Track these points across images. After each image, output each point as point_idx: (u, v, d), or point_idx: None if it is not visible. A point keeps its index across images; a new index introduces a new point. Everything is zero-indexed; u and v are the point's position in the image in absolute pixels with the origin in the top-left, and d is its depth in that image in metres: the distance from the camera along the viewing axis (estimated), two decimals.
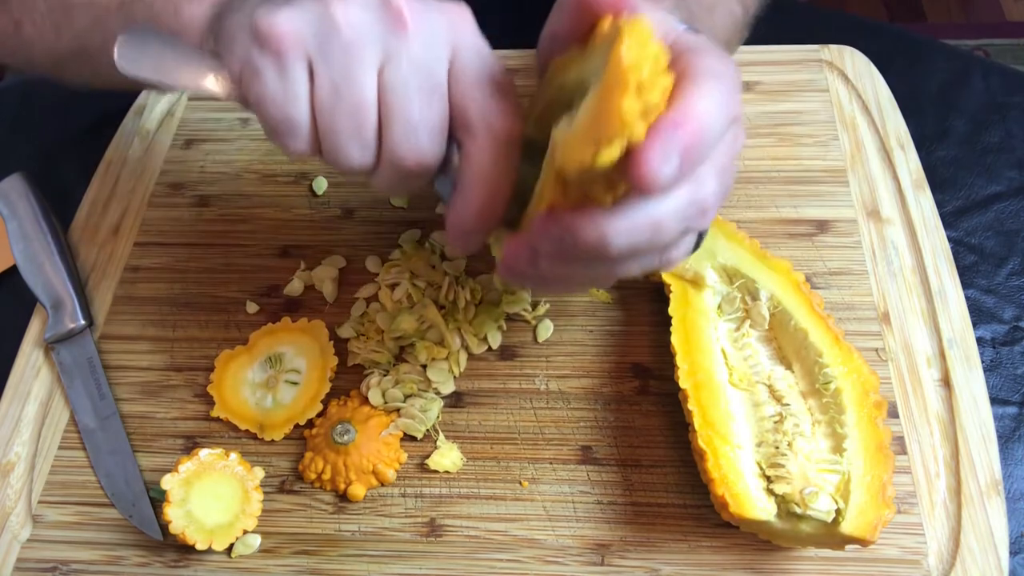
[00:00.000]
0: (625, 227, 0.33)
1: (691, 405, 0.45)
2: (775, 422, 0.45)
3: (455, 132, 0.37)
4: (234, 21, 0.37)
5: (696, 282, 0.50)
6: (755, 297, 0.49)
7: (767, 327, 0.48)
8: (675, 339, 0.47)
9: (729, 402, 0.46)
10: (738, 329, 0.49)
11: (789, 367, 0.47)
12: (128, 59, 0.38)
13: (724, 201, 0.37)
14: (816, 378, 0.46)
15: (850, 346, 0.46)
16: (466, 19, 0.36)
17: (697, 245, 0.40)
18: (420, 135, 0.35)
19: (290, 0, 0.35)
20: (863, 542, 0.40)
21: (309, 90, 0.35)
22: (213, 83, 0.38)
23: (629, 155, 0.30)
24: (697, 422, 0.44)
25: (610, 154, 0.29)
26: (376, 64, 0.35)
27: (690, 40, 0.37)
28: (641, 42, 0.30)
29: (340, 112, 0.35)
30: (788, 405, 0.45)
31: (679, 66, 0.34)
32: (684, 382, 0.46)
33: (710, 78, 0.33)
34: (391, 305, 0.53)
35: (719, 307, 0.49)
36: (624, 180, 0.31)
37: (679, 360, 0.47)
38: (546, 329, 0.52)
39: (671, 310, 0.49)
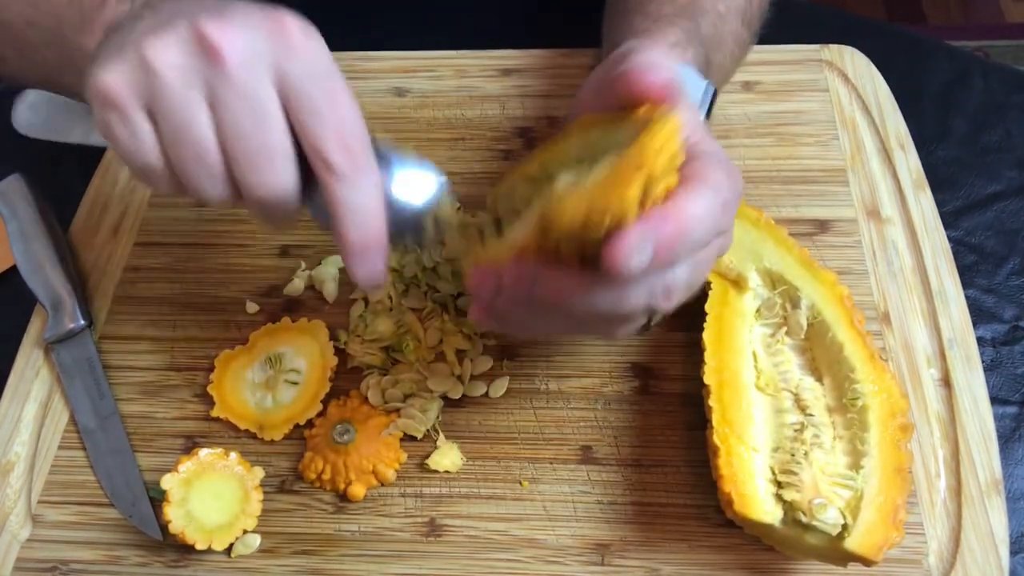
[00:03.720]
0: (589, 292, 0.35)
1: (712, 401, 0.45)
2: (796, 431, 0.45)
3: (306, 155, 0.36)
4: (86, 78, 0.37)
5: (739, 283, 0.49)
6: (795, 305, 0.48)
7: (803, 336, 0.48)
8: (706, 335, 0.47)
9: (752, 404, 0.46)
10: (773, 335, 0.48)
11: (819, 379, 0.47)
12: (24, 123, 0.40)
13: (693, 291, 0.38)
14: (845, 393, 0.45)
15: (884, 366, 0.45)
16: (290, 32, 0.35)
17: (648, 326, 0.40)
18: (261, 162, 0.35)
19: (120, 50, 0.35)
20: (866, 562, 0.40)
21: (156, 135, 0.35)
22: (98, 136, 0.39)
23: (610, 235, 0.32)
24: (715, 419, 0.44)
25: (597, 229, 0.31)
26: (204, 99, 0.34)
27: (706, 148, 0.38)
28: (668, 136, 0.32)
29: (184, 152, 0.35)
30: (812, 416, 0.45)
31: (687, 169, 0.36)
32: (709, 378, 0.46)
33: (710, 189, 0.35)
34: (375, 307, 0.53)
35: (757, 311, 0.49)
36: (599, 254, 0.32)
37: (707, 356, 0.46)
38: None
39: (707, 306, 0.49)
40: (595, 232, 0.32)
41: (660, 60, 0.39)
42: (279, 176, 0.35)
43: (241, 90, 0.34)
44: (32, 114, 0.40)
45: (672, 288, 0.36)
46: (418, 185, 0.39)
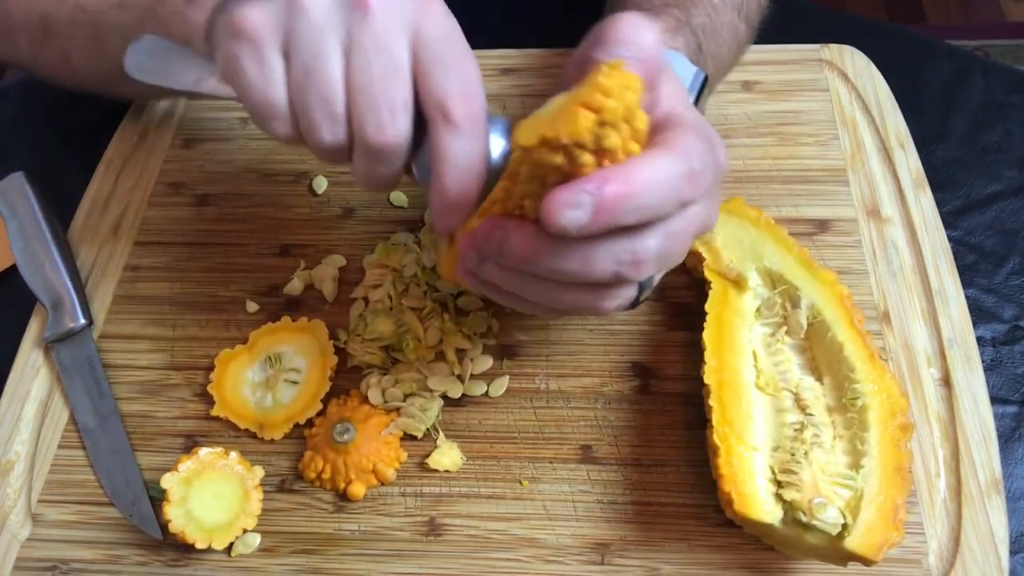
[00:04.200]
0: (552, 252, 0.35)
1: (712, 401, 0.45)
2: (795, 430, 0.45)
3: (424, 112, 0.37)
4: (218, 20, 0.39)
5: (739, 282, 0.49)
6: (795, 304, 0.48)
7: (803, 336, 0.48)
8: (706, 335, 0.47)
9: (752, 404, 0.46)
10: (773, 334, 0.48)
11: (819, 379, 0.47)
12: (137, 66, 0.42)
13: (669, 265, 0.38)
14: (845, 392, 0.45)
15: (884, 365, 0.45)
16: (431, 1, 0.37)
17: (636, 303, 0.40)
18: (383, 114, 0.36)
19: None
20: (866, 561, 0.40)
21: (285, 74, 0.37)
22: (211, 82, 0.40)
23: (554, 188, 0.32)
24: (715, 418, 0.44)
25: (553, 139, 0.31)
26: (340, 44, 0.36)
27: (687, 118, 0.38)
28: (622, 82, 0.31)
29: (311, 92, 0.36)
30: (811, 415, 0.45)
31: (659, 136, 0.35)
32: (709, 378, 0.46)
33: (673, 155, 0.34)
34: (374, 306, 0.53)
35: (757, 310, 0.49)
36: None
37: (707, 356, 0.46)
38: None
39: (707, 306, 0.48)
40: (551, 179, 0.32)
41: (642, 23, 0.38)
42: (397, 128, 0.37)
43: (378, 40, 0.36)
44: (146, 57, 0.41)
45: (640, 258, 0.35)
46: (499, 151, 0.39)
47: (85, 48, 0.52)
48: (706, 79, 0.47)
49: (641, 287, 0.39)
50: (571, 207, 0.32)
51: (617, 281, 0.37)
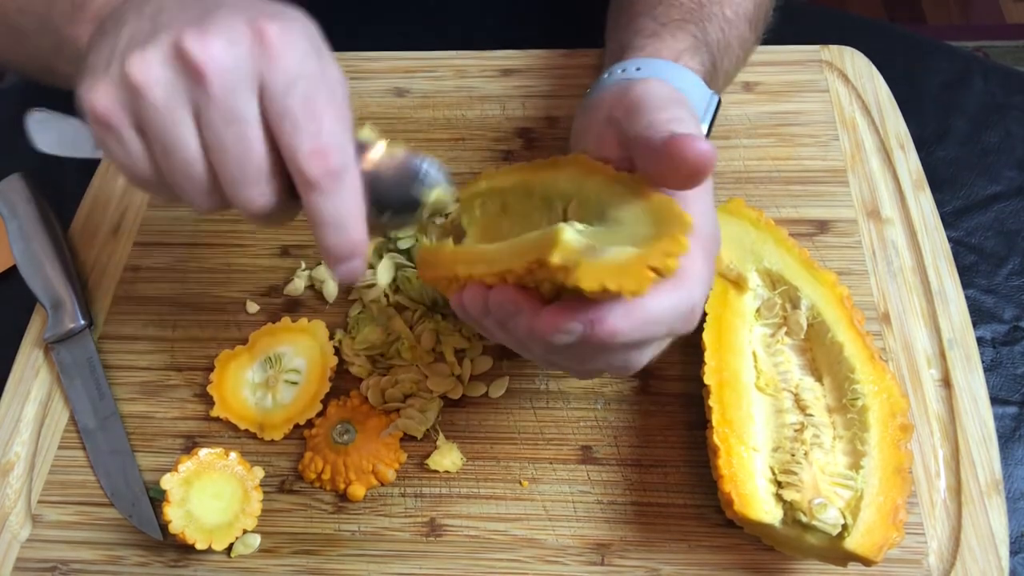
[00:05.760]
0: (552, 346, 0.36)
1: (712, 401, 0.45)
2: (795, 430, 0.45)
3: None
4: (78, 94, 0.37)
5: (739, 283, 0.49)
6: (795, 305, 0.48)
7: (803, 337, 0.48)
8: (706, 336, 0.47)
9: (752, 404, 0.46)
10: (773, 335, 0.48)
11: (819, 379, 0.47)
12: (42, 141, 0.41)
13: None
14: (845, 393, 0.45)
15: (884, 366, 0.45)
16: (271, 42, 0.34)
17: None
18: (246, 188, 0.35)
19: (107, 64, 0.35)
20: (866, 561, 0.40)
21: (147, 151, 0.36)
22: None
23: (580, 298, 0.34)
24: (715, 419, 0.44)
25: (615, 292, 0.32)
26: (191, 117, 0.34)
27: (705, 232, 0.38)
28: (682, 247, 0.33)
29: (173, 168, 0.35)
30: (811, 416, 0.45)
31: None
32: (709, 379, 0.46)
33: (679, 293, 0.36)
34: (368, 309, 0.53)
35: (757, 311, 0.49)
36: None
37: (707, 356, 0.47)
38: None
39: (707, 306, 0.48)
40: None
41: (695, 131, 0.38)
42: (261, 191, 0.36)
43: (223, 109, 0.34)
44: (44, 132, 0.41)
45: (631, 365, 0.38)
46: (405, 166, 0.38)
47: (10, 48, 0.50)
48: (719, 103, 0.47)
49: None
50: (561, 333, 0.34)
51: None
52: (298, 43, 0.35)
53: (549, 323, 0.34)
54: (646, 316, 0.34)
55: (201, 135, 0.35)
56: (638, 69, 0.45)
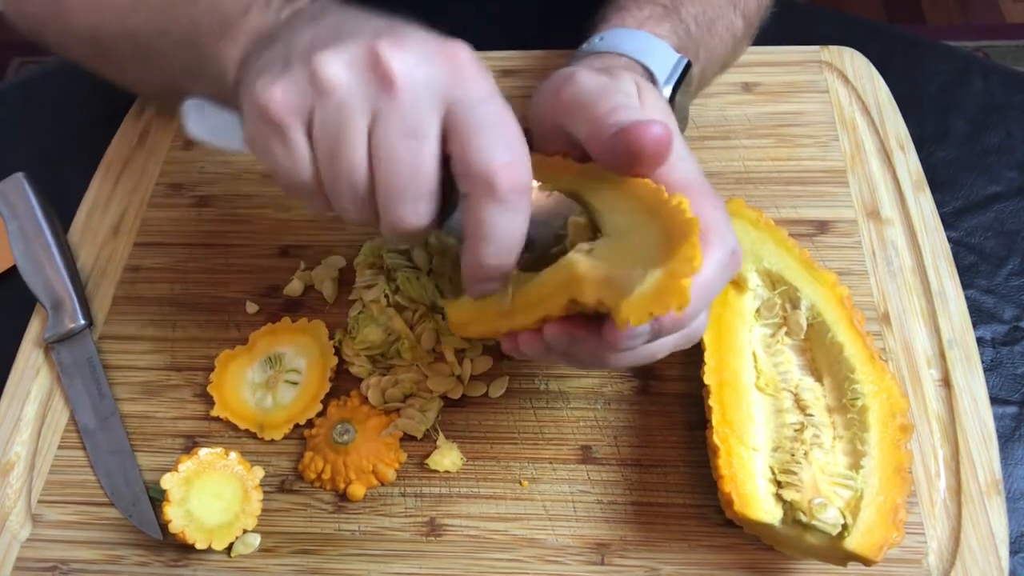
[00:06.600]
0: (619, 354, 0.37)
1: (712, 401, 0.45)
2: (795, 430, 0.45)
3: (457, 183, 0.36)
4: (244, 89, 0.38)
5: (739, 283, 0.49)
6: (795, 305, 0.48)
7: (803, 337, 0.48)
8: (706, 336, 0.47)
9: (752, 404, 0.46)
10: (773, 335, 0.48)
11: (819, 379, 0.47)
12: (196, 129, 0.40)
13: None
14: (845, 393, 0.45)
15: (884, 366, 0.45)
16: (463, 63, 0.35)
17: None
18: (405, 205, 0.35)
19: (286, 64, 0.35)
20: (866, 561, 0.40)
21: (311, 153, 0.36)
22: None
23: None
24: (715, 419, 0.44)
25: (662, 314, 0.32)
26: (366, 125, 0.34)
27: (698, 185, 0.38)
28: (697, 256, 0.33)
29: (336, 174, 0.35)
30: (811, 416, 0.45)
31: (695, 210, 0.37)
32: (708, 379, 0.46)
33: (710, 248, 0.36)
34: (368, 310, 0.53)
35: (757, 311, 0.49)
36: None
37: (707, 356, 0.47)
38: None
39: None
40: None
41: (636, 114, 0.38)
42: (417, 209, 0.36)
43: (404, 122, 0.34)
44: (200, 120, 0.41)
45: (698, 333, 0.39)
46: (559, 205, 0.40)
47: (135, 67, 0.51)
48: (688, 66, 0.47)
49: None
50: (632, 338, 0.34)
51: None
52: (486, 71, 0.36)
53: (618, 337, 0.34)
54: (702, 283, 0.34)
55: (373, 145, 0.34)
56: (600, 39, 0.46)
